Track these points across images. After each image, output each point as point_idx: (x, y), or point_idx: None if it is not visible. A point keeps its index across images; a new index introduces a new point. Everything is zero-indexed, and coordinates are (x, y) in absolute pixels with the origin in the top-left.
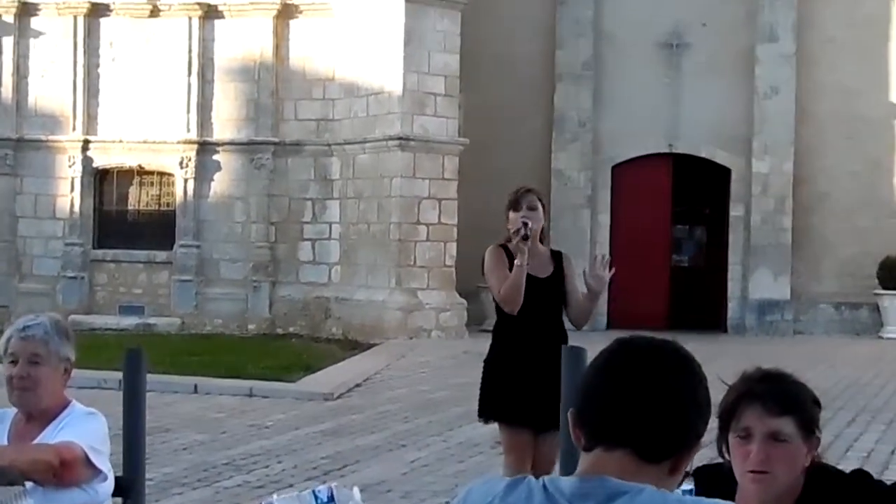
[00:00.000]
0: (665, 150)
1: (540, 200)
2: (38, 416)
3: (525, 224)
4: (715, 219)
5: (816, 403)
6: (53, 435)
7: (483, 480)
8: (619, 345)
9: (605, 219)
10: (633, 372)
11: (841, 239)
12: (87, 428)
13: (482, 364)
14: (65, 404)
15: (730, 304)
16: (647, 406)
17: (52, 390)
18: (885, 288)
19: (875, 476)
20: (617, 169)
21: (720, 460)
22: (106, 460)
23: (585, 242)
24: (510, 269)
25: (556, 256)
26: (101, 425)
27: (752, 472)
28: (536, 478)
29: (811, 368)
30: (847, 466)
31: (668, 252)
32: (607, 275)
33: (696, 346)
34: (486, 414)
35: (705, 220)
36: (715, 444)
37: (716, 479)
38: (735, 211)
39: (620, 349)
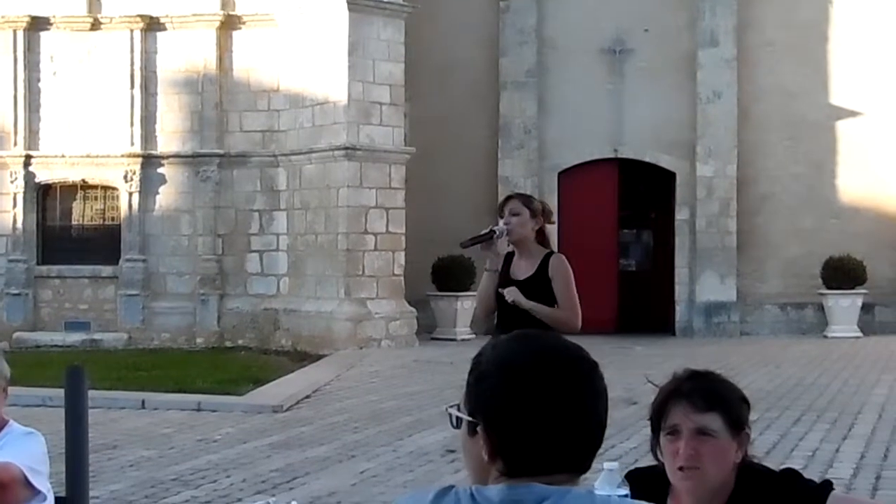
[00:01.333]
0: (610, 155)
1: (528, 205)
2: None
3: (491, 230)
4: (661, 223)
5: (744, 401)
6: None
7: (410, 493)
8: (534, 360)
9: (552, 225)
10: (565, 399)
11: (785, 240)
12: (26, 448)
13: None
14: (2, 424)
15: (677, 307)
16: (584, 434)
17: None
18: (828, 288)
19: (820, 474)
20: (563, 175)
21: (655, 463)
22: (45, 480)
23: None
24: (507, 275)
25: (547, 257)
26: (40, 445)
27: (681, 468)
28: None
29: (757, 369)
30: (792, 465)
31: (616, 257)
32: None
33: (646, 350)
34: None
35: (651, 224)
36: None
37: (650, 482)
38: (680, 214)
39: (538, 368)
